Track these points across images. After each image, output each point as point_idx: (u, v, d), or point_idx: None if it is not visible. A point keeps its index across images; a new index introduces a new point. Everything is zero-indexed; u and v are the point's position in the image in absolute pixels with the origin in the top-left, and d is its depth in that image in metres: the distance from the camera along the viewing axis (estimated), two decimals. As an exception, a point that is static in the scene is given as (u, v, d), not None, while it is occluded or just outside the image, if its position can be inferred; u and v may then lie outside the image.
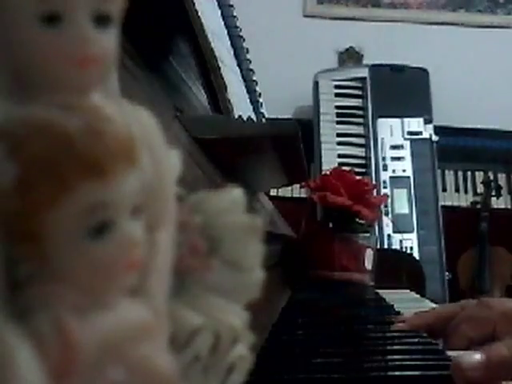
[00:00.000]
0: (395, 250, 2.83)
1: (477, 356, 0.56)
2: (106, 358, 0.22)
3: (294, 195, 3.04)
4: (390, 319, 0.85)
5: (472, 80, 3.40)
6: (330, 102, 3.22)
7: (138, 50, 0.58)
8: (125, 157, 0.21)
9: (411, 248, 2.92)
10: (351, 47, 3.51)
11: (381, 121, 3.16)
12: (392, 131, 3.14)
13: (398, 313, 1.01)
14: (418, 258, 2.71)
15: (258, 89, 1.19)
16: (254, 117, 1.03)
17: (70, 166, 0.20)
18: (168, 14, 0.82)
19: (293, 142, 0.81)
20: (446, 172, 3.32)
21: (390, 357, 0.72)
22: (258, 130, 0.76)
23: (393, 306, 1.09)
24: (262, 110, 1.19)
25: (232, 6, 1.13)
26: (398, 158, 3.11)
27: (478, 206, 3.14)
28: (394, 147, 3.12)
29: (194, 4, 0.79)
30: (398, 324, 0.79)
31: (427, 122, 3.14)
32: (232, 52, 1.08)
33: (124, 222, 0.22)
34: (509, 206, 3.28)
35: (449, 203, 3.22)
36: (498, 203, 3.22)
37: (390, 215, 2.95)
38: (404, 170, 3.09)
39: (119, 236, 0.21)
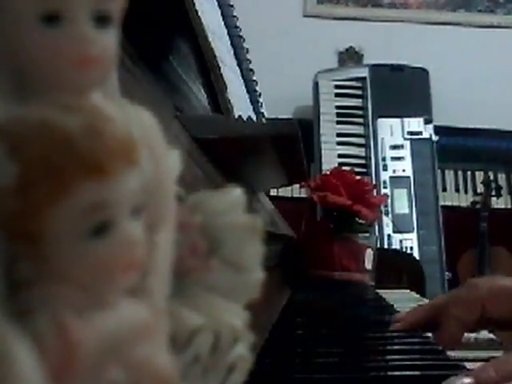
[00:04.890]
0: (395, 249, 2.83)
1: (466, 380, 0.56)
2: (106, 358, 0.22)
3: (294, 195, 3.04)
4: (390, 319, 0.85)
5: (472, 80, 3.40)
6: (330, 102, 3.22)
7: (138, 50, 0.58)
8: (125, 157, 0.21)
9: (411, 248, 2.92)
10: (351, 47, 3.51)
11: (381, 121, 3.16)
12: (392, 131, 3.14)
13: (398, 313, 1.02)
14: (418, 258, 2.71)
15: (258, 89, 1.19)
16: (254, 117, 1.03)
17: (69, 165, 0.20)
18: (168, 13, 0.82)
19: (293, 141, 0.81)
20: (446, 172, 3.33)
21: (389, 357, 0.72)
22: (258, 129, 0.76)
23: (393, 305, 1.09)
24: (262, 110, 1.19)
25: (232, 5, 1.13)
26: (398, 158, 3.11)
27: (478, 206, 3.14)
28: (393, 147, 3.13)
29: (194, 4, 0.79)
30: (395, 324, 0.80)
31: (427, 122, 3.14)
32: (232, 52, 1.08)
33: (124, 222, 0.22)
34: (509, 206, 3.28)
35: (449, 203, 3.22)
36: (498, 203, 3.22)
37: (390, 215, 2.95)
38: (404, 170, 3.09)
39: (119, 236, 0.21)
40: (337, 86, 3.25)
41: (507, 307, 0.69)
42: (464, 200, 3.28)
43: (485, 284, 0.74)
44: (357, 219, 1.44)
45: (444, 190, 3.27)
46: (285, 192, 2.96)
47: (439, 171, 3.18)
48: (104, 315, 0.22)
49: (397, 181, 3.06)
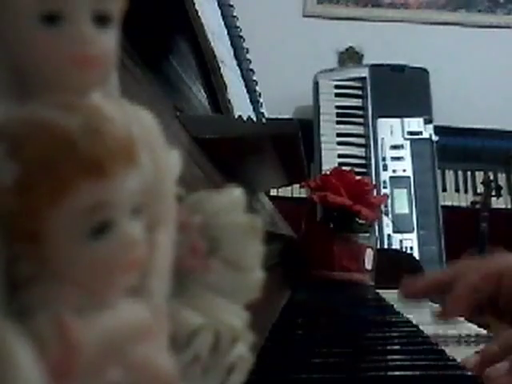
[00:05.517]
0: (395, 249, 2.83)
1: (473, 359, 0.63)
2: (107, 358, 0.22)
3: (294, 195, 3.04)
4: (390, 319, 0.86)
5: (472, 80, 3.40)
6: (330, 102, 3.22)
7: (138, 50, 0.58)
8: (125, 156, 0.21)
9: (411, 248, 2.92)
10: (351, 47, 3.51)
11: (381, 121, 3.16)
12: (392, 131, 3.14)
13: (398, 313, 1.02)
14: (418, 258, 2.71)
15: (258, 89, 1.19)
16: (254, 117, 1.03)
17: (70, 165, 0.20)
18: (168, 13, 0.82)
19: (293, 141, 0.81)
20: (446, 172, 3.33)
21: (389, 357, 0.72)
22: (258, 129, 0.76)
23: (393, 306, 1.09)
24: (262, 110, 1.19)
25: (232, 5, 1.13)
26: (398, 158, 3.11)
27: (478, 206, 3.14)
28: (394, 147, 3.13)
29: (193, 4, 0.79)
30: (404, 289, 0.75)
31: (427, 122, 3.14)
32: (232, 52, 1.08)
33: (124, 222, 0.22)
34: (509, 206, 3.28)
35: (449, 203, 3.22)
36: (498, 203, 3.22)
37: (390, 215, 2.96)
38: (404, 170, 3.09)
39: (119, 236, 0.21)
40: (337, 86, 3.25)
41: None
42: (464, 200, 3.28)
43: (504, 260, 0.71)
44: (357, 219, 1.44)
45: (444, 190, 3.27)
46: (285, 192, 2.96)
47: (439, 171, 3.18)
48: (104, 315, 0.22)
49: (397, 181, 3.07)
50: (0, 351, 0.19)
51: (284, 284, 1.20)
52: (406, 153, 3.12)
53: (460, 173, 3.36)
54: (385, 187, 3.03)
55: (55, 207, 0.20)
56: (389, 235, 2.94)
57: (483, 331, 0.97)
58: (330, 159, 3.06)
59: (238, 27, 1.15)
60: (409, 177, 3.07)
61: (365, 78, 3.23)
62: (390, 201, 2.96)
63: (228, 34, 1.08)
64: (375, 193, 1.54)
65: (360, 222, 1.44)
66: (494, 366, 0.60)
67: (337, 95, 3.24)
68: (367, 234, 1.48)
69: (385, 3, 3.55)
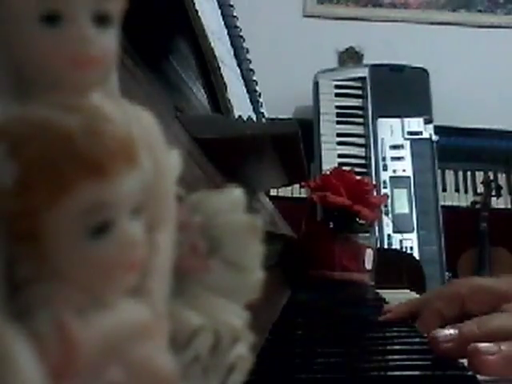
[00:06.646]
0: (395, 249, 2.83)
1: (451, 330, 0.64)
2: (106, 358, 0.22)
3: (294, 195, 3.04)
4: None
5: (472, 80, 3.41)
6: (330, 102, 3.22)
7: (138, 50, 0.58)
8: (124, 157, 0.21)
9: (411, 248, 2.93)
10: (351, 47, 3.51)
11: (381, 121, 3.16)
12: (392, 131, 3.15)
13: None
14: (418, 258, 2.71)
15: (258, 89, 1.19)
16: (254, 117, 1.03)
17: (69, 165, 0.20)
18: (168, 13, 0.82)
19: (293, 141, 0.81)
20: (446, 172, 3.33)
21: (389, 357, 0.72)
22: (258, 129, 0.76)
23: (393, 306, 1.09)
24: (262, 110, 1.19)
25: (232, 5, 1.13)
26: (398, 158, 3.11)
27: (478, 206, 3.14)
28: (393, 147, 3.13)
29: (193, 4, 0.79)
30: (386, 315, 0.86)
31: (427, 122, 3.14)
32: (232, 52, 1.08)
33: (124, 222, 0.22)
34: (509, 206, 3.29)
35: (449, 203, 3.22)
36: (498, 203, 3.22)
37: (390, 215, 2.96)
38: (404, 170, 3.09)
39: (119, 236, 0.21)
40: (337, 86, 3.25)
41: (485, 305, 0.73)
42: (464, 200, 3.28)
43: (465, 283, 0.81)
44: (357, 219, 1.43)
45: (444, 190, 3.27)
46: (285, 192, 2.96)
47: (439, 171, 3.19)
48: (104, 315, 0.22)
49: (397, 181, 3.07)
50: (0, 351, 0.19)
51: (284, 284, 1.20)
52: (406, 153, 3.12)
53: (460, 173, 3.36)
54: (385, 187, 3.03)
55: (55, 207, 0.20)
56: (389, 235, 2.94)
57: None
58: (330, 159, 3.06)
59: (238, 27, 1.15)
60: (409, 177, 3.07)
61: (365, 78, 3.23)
62: (390, 201, 2.96)
63: (228, 34, 1.07)
64: (375, 193, 1.54)
65: (360, 222, 1.44)
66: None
67: (337, 95, 3.24)
68: (367, 234, 1.47)
69: (385, 3, 3.55)
